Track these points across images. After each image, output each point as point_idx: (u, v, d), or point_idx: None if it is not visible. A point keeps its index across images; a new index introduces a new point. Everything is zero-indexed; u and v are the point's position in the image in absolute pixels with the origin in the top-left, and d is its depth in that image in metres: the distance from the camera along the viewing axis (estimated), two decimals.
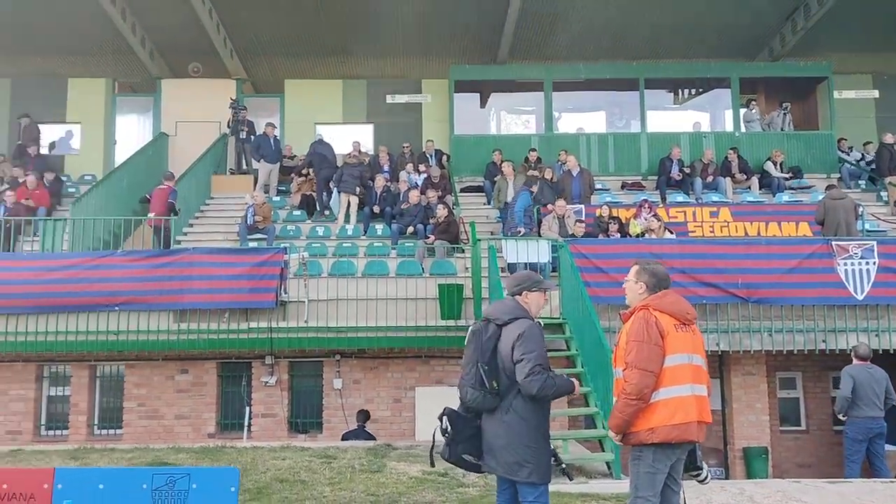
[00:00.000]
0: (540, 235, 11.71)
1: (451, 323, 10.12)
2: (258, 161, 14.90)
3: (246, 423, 10.30)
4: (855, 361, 8.78)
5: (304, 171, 14.59)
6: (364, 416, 10.06)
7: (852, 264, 9.72)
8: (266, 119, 15.66)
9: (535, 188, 13.15)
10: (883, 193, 14.63)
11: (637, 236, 12.16)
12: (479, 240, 10.20)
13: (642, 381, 3.67)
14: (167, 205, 12.20)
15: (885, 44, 16.10)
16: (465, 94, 16.47)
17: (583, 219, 12.58)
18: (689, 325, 3.85)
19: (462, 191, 15.07)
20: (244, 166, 15.50)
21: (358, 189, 13.70)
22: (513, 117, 17.55)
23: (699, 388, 3.79)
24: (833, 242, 9.87)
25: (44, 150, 15.89)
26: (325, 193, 14.04)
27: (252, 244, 12.17)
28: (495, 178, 14.10)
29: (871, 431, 8.61)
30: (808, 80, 16.36)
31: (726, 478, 11.14)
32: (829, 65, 16.02)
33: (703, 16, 15.11)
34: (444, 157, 15.65)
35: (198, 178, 14.19)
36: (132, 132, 17.20)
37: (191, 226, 13.28)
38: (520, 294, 4.06)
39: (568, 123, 17.13)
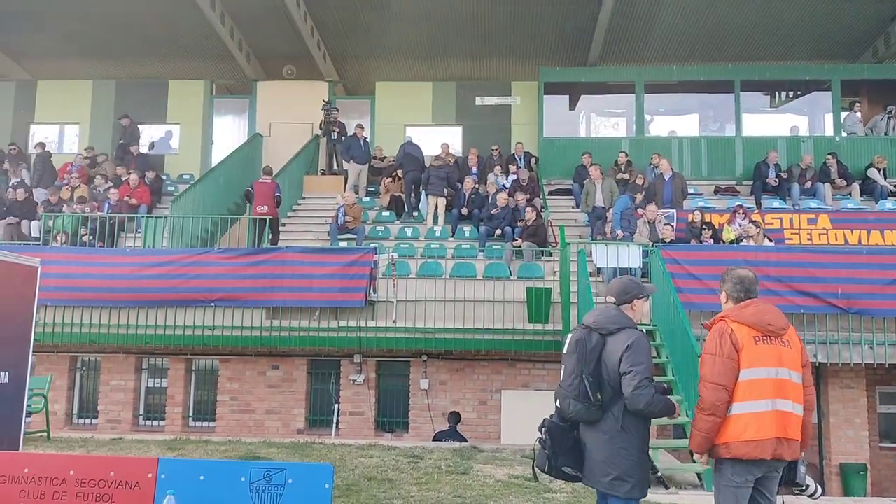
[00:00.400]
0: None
1: (539, 327, 10.15)
2: (348, 162, 15.27)
3: (334, 421, 10.58)
4: None
5: (392, 173, 14.86)
6: (456, 417, 10.18)
7: None
8: (357, 120, 16.04)
9: (639, 196, 12.98)
10: None
11: (731, 242, 11.82)
12: (569, 243, 10.13)
13: (714, 396, 3.61)
14: (275, 198, 12.56)
15: None
16: (555, 97, 16.37)
17: (673, 223, 12.34)
18: (776, 337, 3.67)
19: (550, 194, 15.01)
20: (335, 167, 15.92)
21: (446, 191, 13.86)
22: (602, 120, 17.33)
23: (783, 403, 3.62)
24: None
25: (144, 150, 16.68)
26: (412, 195, 14.26)
27: (342, 244, 12.48)
28: (584, 182, 13.99)
29: None
30: None
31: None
32: None
33: (802, 16, 14.50)
34: (533, 160, 15.61)
35: (291, 177, 14.67)
36: (228, 133, 17.90)
37: (283, 225, 13.76)
38: (629, 303, 3.99)
39: (659, 126, 16.79)
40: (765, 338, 3.65)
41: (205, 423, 11.07)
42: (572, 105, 16.95)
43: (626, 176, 14.52)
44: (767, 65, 15.79)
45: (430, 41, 15.98)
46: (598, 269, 11.22)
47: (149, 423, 11.23)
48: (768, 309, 3.77)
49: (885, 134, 15.32)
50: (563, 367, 3.93)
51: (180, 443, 8.44)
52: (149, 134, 17.33)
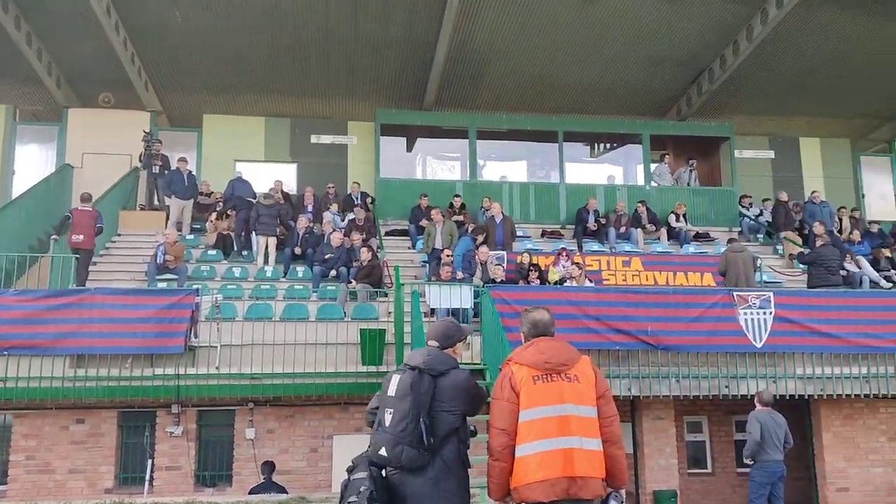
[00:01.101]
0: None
1: (373, 369, 9.94)
2: (170, 197, 14.35)
3: (147, 477, 9.67)
4: (759, 407, 9.17)
5: (221, 210, 14.15)
6: (270, 467, 9.61)
7: (751, 314, 10.22)
8: (183, 153, 15.17)
9: (480, 238, 13.26)
10: (779, 247, 15.56)
11: (556, 283, 12.41)
12: (403, 284, 10.11)
13: (496, 441, 3.56)
14: (95, 228, 11.55)
15: (778, 109, 17.35)
16: (392, 138, 16.56)
17: (503, 264, 12.76)
18: (556, 374, 3.61)
19: (387, 234, 15.03)
20: (156, 202, 14.89)
21: (278, 230, 13.41)
22: (439, 163, 17.73)
23: (569, 440, 3.53)
24: (734, 293, 10.36)
25: None
26: (243, 233, 13.65)
27: (161, 285, 11.61)
28: (421, 223, 14.13)
29: (775, 475, 9.00)
30: (712, 140, 17.40)
31: None
32: (730, 126, 17.10)
33: (619, 76, 15.86)
34: (370, 200, 15.59)
35: (104, 212, 13.48)
36: (33, 163, 16.31)
37: (94, 263, 12.53)
38: (451, 347, 3.96)
39: (492, 171, 17.46)
40: (545, 376, 3.58)
41: None
42: (409, 147, 17.24)
43: (461, 218, 14.93)
44: (587, 118, 17.02)
45: (263, 77, 15.57)
46: (433, 310, 11.30)
47: None
48: (549, 346, 3.69)
49: (688, 185, 17.01)
50: (387, 411, 3.73)
51: None
52: None
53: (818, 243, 12.75)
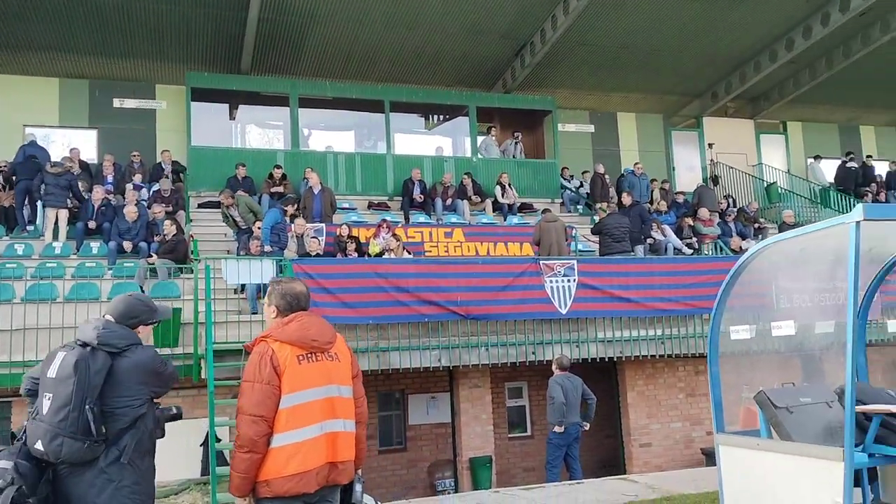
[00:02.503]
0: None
1: (167, 351, 9.23)
2: None
3: None
4: (557, 372, 9.49)
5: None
6: None
7: (557, 281, 10.53)
8: None
9: (290, 209, 12.65)
10: (595, 217, 16.25)
11: (377, 255, 12.19)
12: (199, 259, 9.45)
13: (251, 430, 3.19)
14: None
15: (597, 85, 18.04)
16: (207, 104, 15.49)
17: (321, 237, 12.36)
18: (321, 353, 3.40)
19: (200, 206, 14.11)
20: None
21: (69, 202, 12.16)
22: (262, 131, 16.86)
23: (333, 423, 3.36)
24: (541, 262, 10.62)
25: None
26: (27, 205, 12.25)
27: None
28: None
29: (571, 436, 9.37)
30: (536, 113, 17.83)
31: (456, 489, 11.51)
32: (552, 100, 17.57)
33: (442, 46, 15.72)
34: (178, 171, 14.54)
35: None
36: None
37: None
38: (133, 328, 3.45)
39: (319, 141, 16.88)
40: (310, 355, 3.34)
41: None
42: (231, 115, 16.25)
43: (281, 189, 14.33)
44: (414, 88, 16.82)
45: (55, 33, 13.93)
46: (243, 287, 10.71)
47: None
48: (313, 322, 3.45)
49: (514, 157, 17.33)
50: (45, 396, 3.16)
51: None
52: None
53: (607, 213, 13.44)
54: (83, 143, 14.34)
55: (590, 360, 10.65)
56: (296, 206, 12.37)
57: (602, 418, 13.44)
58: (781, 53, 16.83)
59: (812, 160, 20.41)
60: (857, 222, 4.29)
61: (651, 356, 11.15)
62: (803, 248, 5.37)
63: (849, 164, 19.48)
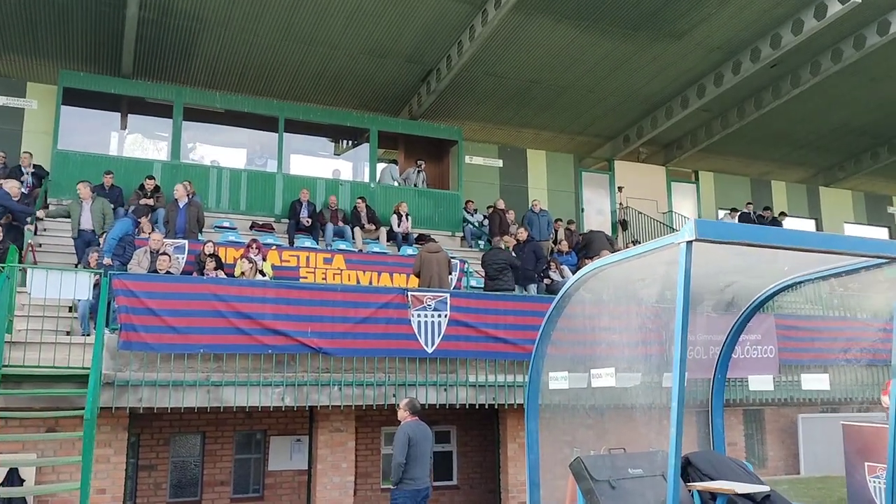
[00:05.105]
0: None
1: None
2: None
3: None
4: (407, 417, 8.45)
5: None
6: None
7: (426, 316, 9.66)
8: None
9: (143, 219, 11.61)
10: None
11: (240, 276, 11.12)
12: (3, 268, 8.18)
13: None
14: None
15: (506, 119, 17.55)
16: (81, 109, 14.27)
17: (182, 255, 11.24)
18: None
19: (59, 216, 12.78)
20: None
21: None
22: (142, 140, 15.64)
23: None
24: (409, 293, 9.73)
25: None
26: None
27: None
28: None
29: (419, 495, 8.17)
30: (443, 143, 17.16)
31: None
32: (459, 130, 16.96)
33: (344, 66, 14.99)
34: (41, 175, 13.26)
35: None
36: None
37: None
38: None
39: (205, 156, 15.77)
40: None
41: None
42: (106, 119, 14.99)
43: (152, 202, 13.17)
44: (313, 106, 15.96)
45: None
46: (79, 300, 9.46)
47: None
48: None
49: (415, 185, 16.56)
50: None
51: None
52: None
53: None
54: None
55: (462, 406, 9.70)
56: (148, 217, 11.20)
57: (485, 470, 12.49)
58: (693, 100, 16.69)
59: (727, 213, 20.28)
60: (689, 242, 3.66)
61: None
62: (628, 275, 4.64)
63: (753, 216, 19.37)
